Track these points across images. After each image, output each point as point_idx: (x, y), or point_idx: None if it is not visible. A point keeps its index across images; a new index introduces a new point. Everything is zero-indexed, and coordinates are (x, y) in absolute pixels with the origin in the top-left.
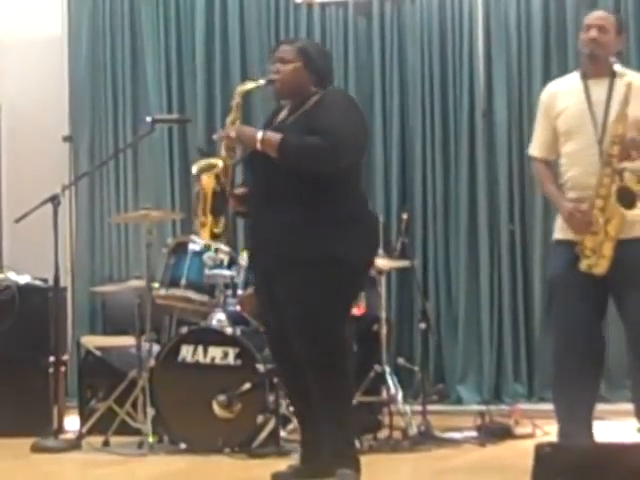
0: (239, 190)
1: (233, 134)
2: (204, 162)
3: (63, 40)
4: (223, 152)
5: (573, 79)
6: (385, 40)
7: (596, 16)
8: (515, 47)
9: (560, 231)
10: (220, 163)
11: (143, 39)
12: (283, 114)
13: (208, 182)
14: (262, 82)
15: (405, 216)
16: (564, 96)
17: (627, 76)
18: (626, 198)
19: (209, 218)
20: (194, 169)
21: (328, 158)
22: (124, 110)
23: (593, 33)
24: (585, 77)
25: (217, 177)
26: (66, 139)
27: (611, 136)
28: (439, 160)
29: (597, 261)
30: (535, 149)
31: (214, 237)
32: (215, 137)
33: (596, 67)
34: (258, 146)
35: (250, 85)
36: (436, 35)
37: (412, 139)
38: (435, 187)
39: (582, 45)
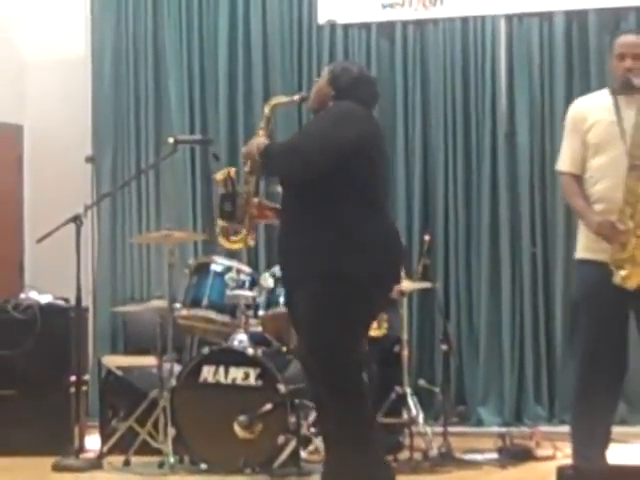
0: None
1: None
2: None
3: (86, 61)
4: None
5: (602, 95)
6: (407, 62)
7: (629, 43)
8: (537, 69)
9: (585, 250)
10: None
11: (166, 60)
12: None
13: (220, 178)
14: (296, 98)
15: (427, 238)
16: (594, 111)
17: None
18: None
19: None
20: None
21: (283, 163)
22: (147, 131)
23: (628, 63)
24: (615, 93)
25: (229, 178)
26: (89, 159)
27: (637, 142)
28: (461, 182)
29: (632, 270)
30: (563, 164)
31: (230, 242)
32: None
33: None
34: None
35: (282, 99)
36: (459, 57)
37: (434, 161)
38: (457, 209)
39: (616, 72)
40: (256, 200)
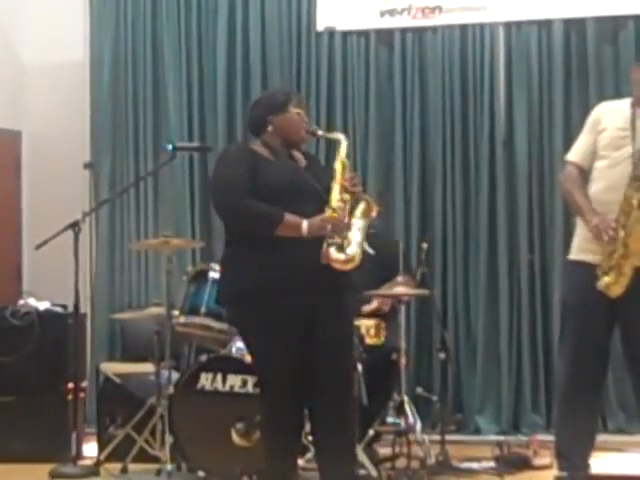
0: None
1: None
2: None
3: (85, 67)
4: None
5: (624, 104)
6: (406, 70)
7: None
8: (536, 77)
9: (579, 252)
10: None
11: (165, 66)
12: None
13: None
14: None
15: (425, 245)
16: (612, 115)
17: None
18: None
19: None
20: None
21: None
22: (145, 137)
23: None
24: (635, 105)
25: None
26: (87, 166)
27: None
28: (459, 189)
29: (616, 279)
30: (572, 155)
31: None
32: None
33: None
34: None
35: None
36: (457, 65)
37: (432, 168)
38: (455, 216)
39: None
40: None
